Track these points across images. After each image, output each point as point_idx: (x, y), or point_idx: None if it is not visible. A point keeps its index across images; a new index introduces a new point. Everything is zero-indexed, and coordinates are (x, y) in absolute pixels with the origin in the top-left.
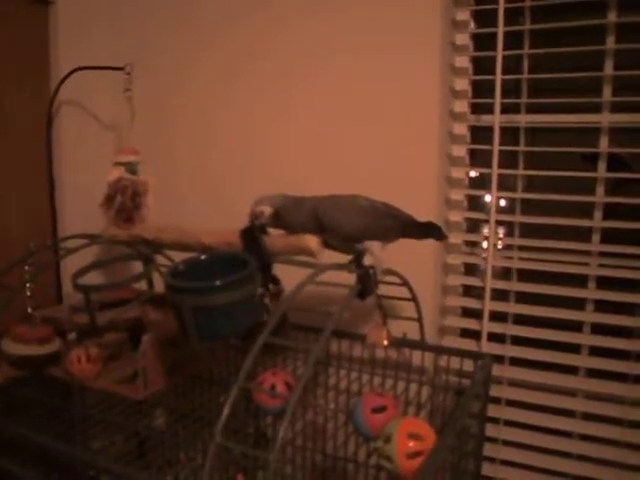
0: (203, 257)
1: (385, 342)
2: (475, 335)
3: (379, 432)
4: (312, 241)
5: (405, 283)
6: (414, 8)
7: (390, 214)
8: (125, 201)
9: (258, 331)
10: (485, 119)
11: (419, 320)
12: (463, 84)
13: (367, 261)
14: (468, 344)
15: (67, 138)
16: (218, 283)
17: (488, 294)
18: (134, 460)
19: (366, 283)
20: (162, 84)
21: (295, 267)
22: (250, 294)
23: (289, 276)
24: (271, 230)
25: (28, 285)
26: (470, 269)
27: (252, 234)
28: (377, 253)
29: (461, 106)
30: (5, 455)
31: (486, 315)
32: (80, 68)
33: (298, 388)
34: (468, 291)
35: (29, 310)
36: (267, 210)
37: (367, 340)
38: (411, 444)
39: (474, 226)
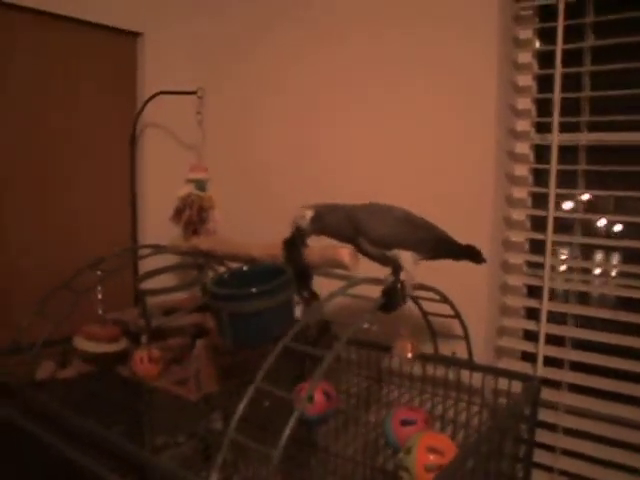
0: (245, 268)
1: (409, 355)
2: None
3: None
4: (345, 254)
5: (445, 300)
6: (474, 25)
7: (424, 227)
8: (192, 215)
9: (302, 338)
10: (545, 138)
11: (466, 339)
12: (525, 103)
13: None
14: (525, 367)
15: (149, 157)
16: (253, 290)
17: (544, 316)
18: (200, 463)
19: (392, 297)
20: (234, 106)
21: (334, 280)
22: (285, 301)
23: (327, 289)
24: (310, 242)
25: (99, 289)
26: (535, 291)
27: (293, 243)
28: (408, 265)
29: (523, 125)
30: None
31: (542, 338)
32: (160, 92)
33: (309, 389)
34: (533, 313)
35: (99, 312)
36: (309, 213)
37: (392, 352)
38: (431, 457)
39: (537, 247)
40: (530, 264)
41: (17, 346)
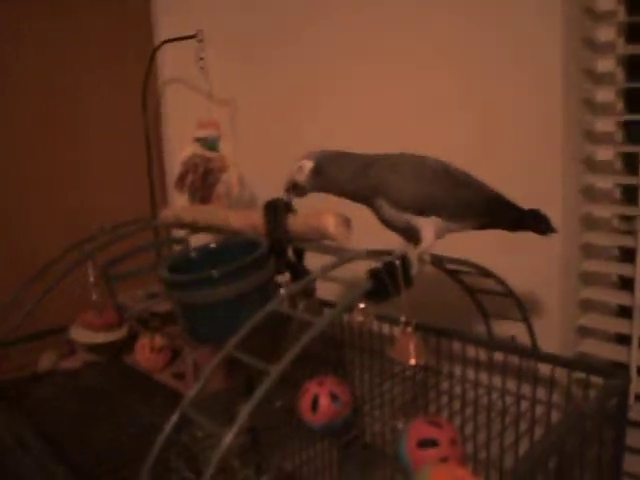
0: (213, 245)
1: (412, 360)
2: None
3: None
4: (330, 221)
5: (488, 274)
6: None
7: (470, 184)
8: (195, 180)
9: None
10: None
11: (525, 320)
12: (608, 32)
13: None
14: (620, 352)
15: (170, 116)
16: (214, 274)
17: (639, 286)
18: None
19: (383, 280)
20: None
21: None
22: (256, 286)
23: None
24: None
25: (90, 271)
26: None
27: (275, 209)
28: (428, 235)
29: (605, 64)
30: None
31: (638, 315)
32: (164, 42)
33: (241, 417)
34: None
35: (93, 297)
36: (307, 165)
37: (389, 353)
38: None
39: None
40: (622, 218)
41: None
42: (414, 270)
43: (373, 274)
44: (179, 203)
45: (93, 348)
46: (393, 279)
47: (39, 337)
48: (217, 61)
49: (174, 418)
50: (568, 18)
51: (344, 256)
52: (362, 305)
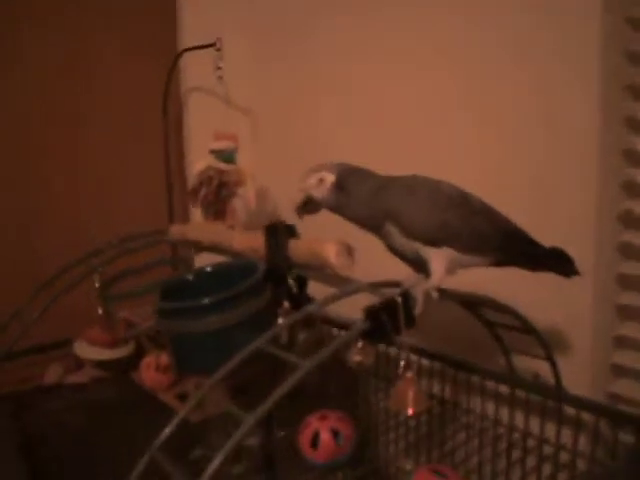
0: (209, 268)
1: (409, 410)
2: None
3: None
4: (332, 250)
5: (505, 309)
6: None
7: (487, 215)
8: (208, 194)
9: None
10: None
11: (548, 359)
12: None
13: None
14: None
15: (193, 125)
16: (205, 301)
17: None
18: None
19: (381, 319)
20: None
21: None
22: (248, 315)
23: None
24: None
25: (97, 285)
26: None
27: (275, 232)
28: (438, 268)
29: None
30: None
31: None
32: (184, 50)
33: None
34: None
35: (99, 311)
36: (329, 177)
37: (389, 402)
38: None
39: None
40: None
41: None
42: (419, 308)
43: (370, 313)
44: (198, 217)
45: (99, 364)
46: (393, 318)
47: (41, 351)
48: (239, 71)
49: (142, 462)
50: (608, 28)
51: (346, 289)
52: (360, 344)
